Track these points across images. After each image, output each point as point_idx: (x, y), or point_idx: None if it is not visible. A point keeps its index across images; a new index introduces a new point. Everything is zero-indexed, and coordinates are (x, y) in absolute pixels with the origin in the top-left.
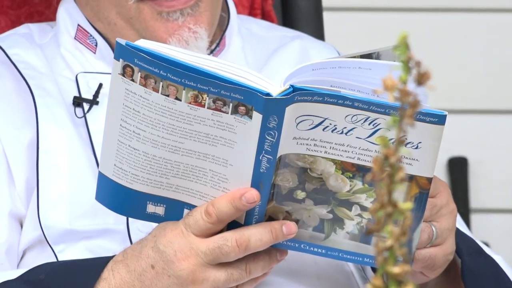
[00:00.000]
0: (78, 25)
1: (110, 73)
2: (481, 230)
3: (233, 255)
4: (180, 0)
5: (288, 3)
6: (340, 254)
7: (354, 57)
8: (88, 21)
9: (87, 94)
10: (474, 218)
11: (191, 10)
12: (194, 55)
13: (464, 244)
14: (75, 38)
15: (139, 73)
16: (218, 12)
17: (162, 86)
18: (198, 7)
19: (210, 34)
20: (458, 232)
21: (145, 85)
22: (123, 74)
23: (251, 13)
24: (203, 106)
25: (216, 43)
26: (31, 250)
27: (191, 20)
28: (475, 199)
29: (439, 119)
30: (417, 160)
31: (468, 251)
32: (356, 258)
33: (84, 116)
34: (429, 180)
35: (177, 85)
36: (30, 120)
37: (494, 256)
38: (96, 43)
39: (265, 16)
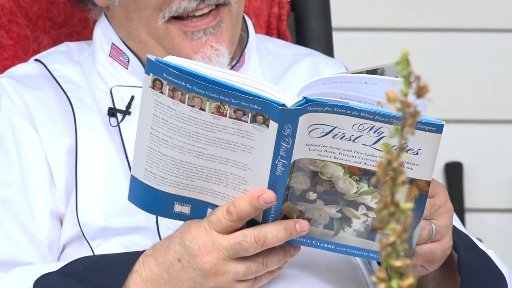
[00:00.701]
0: (112, 43)
1: (141, 87)
2: (474, 228)
3: (251, 250)
4: (203, 21)
5: (301, 23)
6: (347, 250)
7: (361, 72)
8: (121, 39)
9: (121, 105)
10: (468, 216)
11: (213, 29)
12: (216, 70)
13: (460, 240)
14: (109, 55)
15: (167, 86)
16: (238, 31)
17: (188, 98)
18: (219, 27)
19: (230, 51)
20: (455, 229)
21: (172, 97)
22: (153, 87)
23: (268, 32)
24: (225, 115)
25: (236, 60)
26: (70, 245)
27: (213, 39)
28: (469, 199)
29: (437, 128)
30: (417, 164)
31: (463, 246)
32: (362, 253)
33: (118, 125)
34: (428, 183)
35: (201, 97)
36: (69, 128)
37: (486, 250)
38: (128, 59)
39: (280, 36)
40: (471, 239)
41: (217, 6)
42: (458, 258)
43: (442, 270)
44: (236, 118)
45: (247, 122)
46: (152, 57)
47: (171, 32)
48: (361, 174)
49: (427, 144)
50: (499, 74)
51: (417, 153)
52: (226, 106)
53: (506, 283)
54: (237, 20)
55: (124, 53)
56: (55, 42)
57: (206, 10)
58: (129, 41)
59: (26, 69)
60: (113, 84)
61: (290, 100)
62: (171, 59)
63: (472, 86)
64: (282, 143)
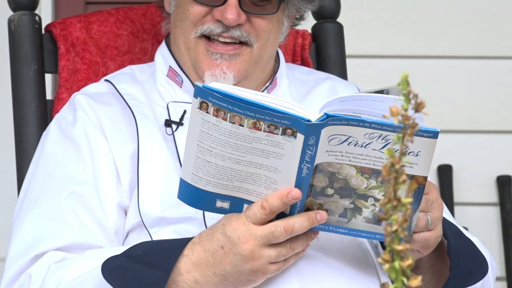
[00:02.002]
0: (170, 66)
1: (191, 103)
2: (462, 218)
3: (282, 237)
4: (224, 47)
5: (320, 52)
6: (358, 233)
7: (370, 92)
8: (177, 63)
9: (175, 118)
10: (456, 209)
11: (229, 57)
12: (253, 93)
13: (449, 229)
14: (167, 76)
15: (212, 107)
16: (258, 69)
17: (229, 116)
18: (235, 58)
19: (237, 79)
20: (445, 220)
21: (216, 116)
22: (200, 108)
23: (293, 59)
24: (260, 130)
25: (269, 82)
26: (132, 231)
27: (225, 64)
28: (457, 195)
29: (434, 135)
30: (416, 164)
31: (452, 234)
32: (370, 235)
33: (173, 134)
34: (425, 178)
35: (240, 115)
36: (132, 137)
37: (471, 237)
38: (182, 80)
39: (303, 62)
40: (458, 228)
41: (241, 42)
42: (447, 244)
43: (434, 254)
44: (269, 132)
45: (278, 134)
46: (200, 84)
47: (198, 47)
48: (370, 173)
49: (426, 147)
50: (481, 94)
51: (417, 155)
52: (261, 122)
53: (487, 265)
54: (256, 61)
55: (179, 74)
56: (120, 67)
57: (229, 40)
58: (174, 49)
59: (97, 87)
60: (169, 100)
61: (313, 116)
62: (215, 85)
63: (460, 104)
64: (307, 151)
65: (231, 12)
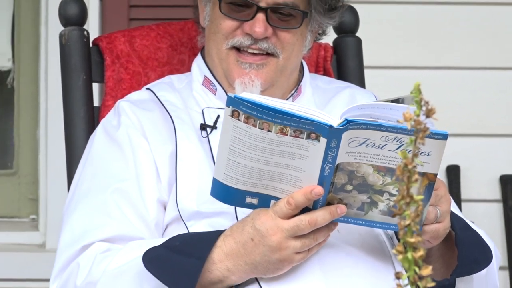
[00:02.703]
0: (205, 76)
1: (224, 108)
2: (468, 214)
3: (306, 230)
4: (252, 57)
5: (341, 63)
6: (374, 224)
7: (386, 101)
8: (211, 72)
9: (209, 122)
10: (464, 205)
11: (256, 66)
12: (280, 102)
13: (457, 222)
14: (202, 84)
15: (243, 115)
16: (283, 77)
17: (259, 123)
18: (262, 67)
19: (264, 86)
20: (453, 214)
21: (247, 123)
22: (232, 115)
23: (316, 70)
24: (287, 134)
25: (295, 90)
26: (171, 224)
27: (253, 73)
28: (464, 193)
29: (443, 137)
30: (428, 162)
31: (459, 227)
32: (384, 226)
33: (207, 136)
34: (435, 175)
35: (269, 122)
36: (171, 139)
37: (477, 230)
38: (216, 88)
39: (325, 72)
40: (465, 221)
41: (268, 53)
42: (455, 235)
43: (444, 244)
44: (295, 136)
45: (303, 138)
46: (232, 94)
47: (229, 57)
48: (386, 171)
49: (436, 148)
50: (486, 101)
51: (428, 154)
52: (288, 128)
53: (492, 254)
54: (282, 70)
55: (213, 83)
56: (160, 76)
57: (257, 51)
58: (208, 60)
59: (139, 95)
60: (204, 106)
61: (335, 121)
62: (245, 95)
63: (467, 110)
64: (329, 153)
65: (259, 26)
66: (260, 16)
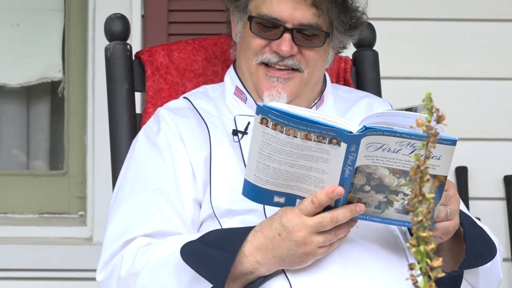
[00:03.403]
0: (236, 86)
1: (254, 116)
2: (475, 211)
3: (328, 226)
4: (279, 72)
5: (359, 74)
6: (390, 221)
7: (401, 109)
8: (242, 83)
9: (241, 128)
10: (471, 203)
11: (283, 80)
12: (304, 110)
13: (465, 219)
14: (234, 94)
15: (271, 122)
16: (307, 89)
17: (285, 130)
18: (288, 81)
19: (290, 98)
20: (461, 212)
21: (274, 129)
22: (261, 123)
23: (337, 80)
24: (311, 140)
25: (318, 99)
26: (206, 221)
27: (280, 86)
28: (472, 192)
29: (453, 142)
30: (438, 166)
31: (467, 223)
32: (399, 223)
33: (239, 141)
34: (445, 177)
35: (294, 129)
36: (206, 144)
37: (483, 226)
38: (246, 98)
39: (345, 82)
40: (472, 218)
41: (293, 69)
42: (463, 232)
43: (453, 240)
44: (318, 141)
45: (326, 143)
46: (261, 103)
47: (258, 72)
48: (400, 173)
49: (446, 152)
50: (491, 109)
51: (438, 158)
52: (312, 134)
53: (496, 248)
54: (306, 83)
55: (243, 93)
56: (196, 86)
57: (283, 67)
58: (240, 72)
59: (177, 103)
60: (236, 113)
61: (354, 128)
62: (273, 104)
63: (474, 116)
64: (349, 156)
65: (285, 45)
66: (287, 36)
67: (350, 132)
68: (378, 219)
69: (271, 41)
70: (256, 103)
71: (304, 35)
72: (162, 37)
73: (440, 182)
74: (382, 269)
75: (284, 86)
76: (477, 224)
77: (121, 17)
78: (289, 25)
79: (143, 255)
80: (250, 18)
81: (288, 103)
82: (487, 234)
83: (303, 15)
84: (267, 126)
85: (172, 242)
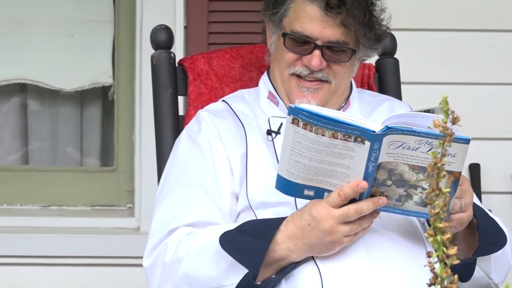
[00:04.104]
0: (269, 91)
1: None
2: (487, 202)
3: (353, 217)
4: (309, 83)
5: (382, 79)
6: (409, 213)
7: (420, 111)
8: (274, 88)
9: (274, 128)
10: (483, 196)
11: (313, 90)
12: (332, 111)
13: (478, 211)
14: (267, 98)
15: (302, 122)
16: (335, 97)
17: (315, 129)
18: (317, 91)
19: (321, 105)
20: (475, 204)
21: (305, 129)
22: (292, 123)
23: (361, 85)
24: (338, 138)
25: (345, 103)
26: (242, 212)
27: (310, 95)
28: (484, 186)
29: (466, 141)
30: (453, 162)
31: (480, 215)
32: (418, 214)
33: (272, 140)
34: (460, 173)
35: (323, 128)
36: (242, 142)
37: (494, 217)
38: (278, 101)
39: (369, 87)
40: (485, 210)
41: (322, 80)
42: (477, 222)
43: (467, 230)
44: (344, 140)
45: (351, 142)
46: (292, 105)
47: (291, 82)
48: (419, 169)
49: (460, 151)
50: (503, 111)
51: (454, 156)
52: (338, 133)
53: (506, 238)
54: (333, 93)
55: (276, 97)
56: (233, 90)
57: (313, 79)
58: (273, 79)
59: (217, 106)
60: (270, 115)
61: (377, 127)
62: (303, 106)
63: (486, 117)
64: (372, 153)
65: (315, 60)
66: (317, 52)
67: (373, 132)
68: (398, 211)
69: (303, 56)
70: (288, 106)
71: (332, 51)
72: (202, 46)
73: (455, 178)
74: (402, 256)
75: (314, 96)
76: (489, 216)
77: (165, 28)
78: (319, 42)
79: (185, 243)
80: (284, 34)
81: None
82: (498, 225)
83: (332, 33)
84: (298, 126)
85: (211, 231)
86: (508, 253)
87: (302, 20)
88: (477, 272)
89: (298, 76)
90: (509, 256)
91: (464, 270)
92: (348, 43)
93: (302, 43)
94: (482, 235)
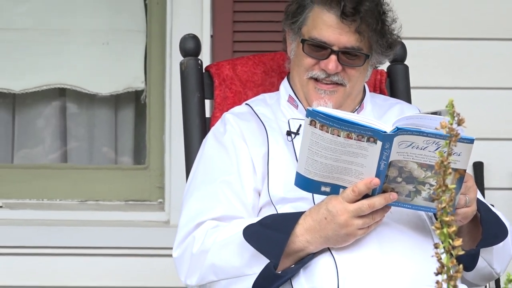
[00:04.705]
0: (289, 95)
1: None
2: (490, 198)
3: (367, 211)
4: (326, 86)
5: (393, 84)
6: (418, 208)
7: (428, 113)
8: (294, 92)
9: (293, 129)
10: (486, 192)
11: (329, 93)
12: (347, 114)
13: (482, 205)
14: (287, 101)
15: (319, 124)
16: (350, 99)
17: (330, 130)
18: (334, 93)
19: (336, 107)
20: (478, 200)
21: (321, 130)
22: (310, 124)
23: (374, 90)
24: (352, 138)
25: (358, 106)
26: (264, 207)
27: (326, 97)
28: (487, 183)
29: (471, 141)
30: (459, 161)
31: (483, 209)
32: (426, 209)
33: (292, 141)
34: (465, 170)
35: (338, 129)
36: (264, 143)
37: (497, 212)
38: (298, 105)
39: (381, 92)
40: (487, 205)
41: (338, 83)
42: (480, 216)
43: (471, 223)
44: (358, 140)
45: (364, 141)
46: (310, 108)
47: (309, 85)
48: (427, 167)
49: (465, 150)
50: (503, 114)
51: (459, 155)
52: (353, 133)
53: (507, 231)
54: (348, 95)
55: (295, 100)
56: (256, 94)
57: (329, 82)
58: (292, 83)
59: (240, 109)
60: (289, 117)
61: (388, 128)
62: (320, 108)
63: (490, 119)
64: (384, 152)
65: (331, 64)
66: (333, 57)
67: (385, 132)
68: (408, 206)
69: (320, 60)
70: (306, 109)
71: (347, 56)
72: (227, 54)
73: (460, 175)
74: (411, 247)
75: (330, 98)
76: (491, 210)
77: (193, 37)
78: (335, 48)
79: (211, 235)
80: (303, 40)
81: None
82: (500, 219)
83: (348, 40)
84: (315, 127)
85: (236, 224)
86: (509, 245)
87: (319, 27)
88: (480, 262)
89: (316, 79)
90: (510, 247)
91: (468, 260)
92: (362, 49)
93: (319, 49)
94: (485, 228)
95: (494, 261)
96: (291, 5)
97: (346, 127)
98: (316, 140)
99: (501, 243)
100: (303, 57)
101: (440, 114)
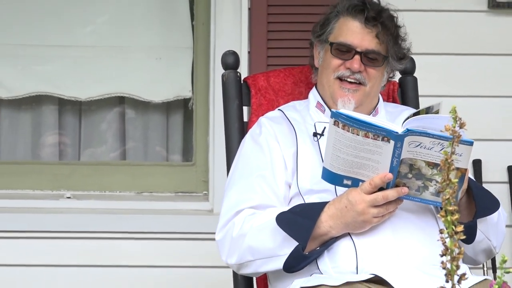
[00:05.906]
0: (317, 101)
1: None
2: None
3: (381, 202)
4: (350, 85)
5: (404, 93)
6: (426, 201)
7: (424, 108)
8: (322, 98)
9: (319, 131)
10: (485, 186)
11: (353, 91)
12: (365, 116)
13: (473, 183)
14: (315, 107)
15: (341, 124)
16: (369, 98)
17: (351, 130)
18: (356, 92)
19: (357, 104)
20: (473, 181)
21: (343, 129)
22: (334, 124)
23: (388, 98)
24: (369, 138)
25: (374, 111)
26: (293, 198)
27: (350, 95)
28: (484, 178)
29: (470, 143)
30: (460, 160)
31: (475, 187)
32: (433, 202)
33: (318, 141)
34: (465, 169)
35: (357, 129)
36: (294, 143)
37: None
38: (325, 109)
39: (394, 100)
40: (479, 184)
41: (359, 83)
42: (473, 193)
43: (467, 200)
44: (374, 139)
45: (379, 140)
46: (334, 110)
47: (335, 84)
48: (433, 165)
49: (466, 151)
50: (500, 118)
51: (460, 155)
52: (369, 133)
53: (499, 203)
54: (368, 93)
55: (323, 105)
56: (287, 102)
57: (353, 81)
58: (320, 88)
59: (274, 114)
60: (316, 121)
61: (400, 129)
62: (342, 111)
63: (488, 122)
64: (396, 151)
65: (356, 64)
66: (357, 57)
67: (397, 133)
68: (417, 199)
69: (345, 61)
70: (331, 111)
71: (368, 58)
72: (262, 67)
73: (462, 173)
74: (420, 233)
75: (353, 95)
76: (482, 187)
77: (233, 53)
78: (359, 49)
79: (249, 221)
80: (331, 44)
81: (354, 109)
82: (491, 193)
83: (369, 43)
84: (338, 127)
85: (269, 212)
86: (502, 223)
87: (345, 33)
88: (478, 236)
89: (341, 80)
90: (503, 226)
91: (469, 232)
92: (381, 52)
93: (345, 52)
94: (478, 202)
95: (490, 233)
96: (319, 21)
97: (364, 127)
98: (339, 139)
99: (495, 218)
100: (331, 59)
101: (433, 108)
